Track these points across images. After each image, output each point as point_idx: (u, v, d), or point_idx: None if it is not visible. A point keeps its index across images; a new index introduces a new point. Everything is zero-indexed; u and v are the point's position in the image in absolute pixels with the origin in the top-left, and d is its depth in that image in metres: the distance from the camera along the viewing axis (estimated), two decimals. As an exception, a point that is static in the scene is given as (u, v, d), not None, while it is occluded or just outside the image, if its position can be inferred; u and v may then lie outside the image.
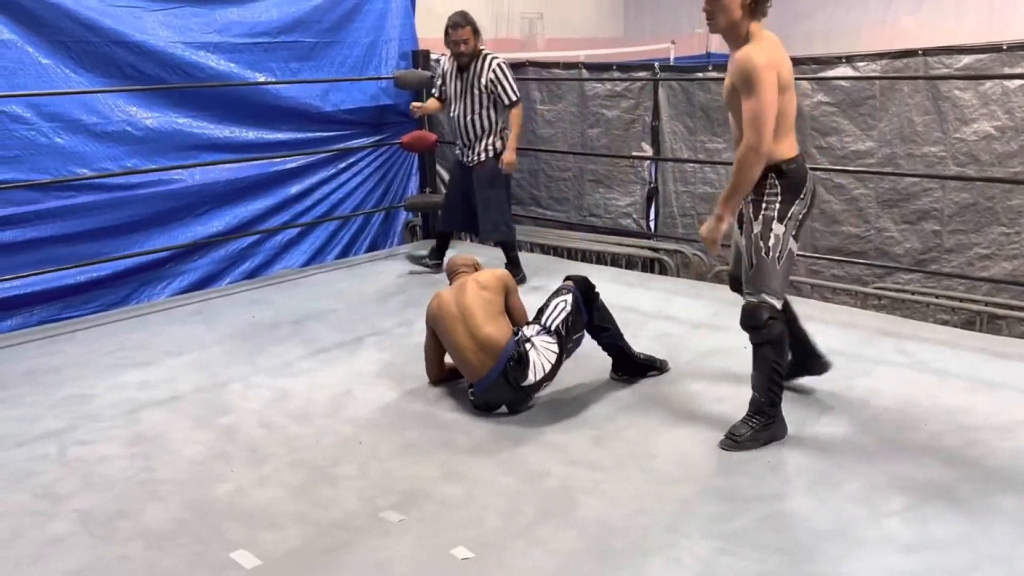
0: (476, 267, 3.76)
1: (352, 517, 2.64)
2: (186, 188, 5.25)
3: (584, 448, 3.05)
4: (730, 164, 5.44)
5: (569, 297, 3.43)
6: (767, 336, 2.99)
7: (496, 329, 3.35)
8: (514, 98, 4.98)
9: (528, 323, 3.46)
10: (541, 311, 3.43)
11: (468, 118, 5.02)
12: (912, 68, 4.76)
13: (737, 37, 2.88)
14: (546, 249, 6.16)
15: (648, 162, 5.95)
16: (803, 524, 2.55)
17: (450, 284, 3.69)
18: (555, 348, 3.32)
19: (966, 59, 4.60)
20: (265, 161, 5.64)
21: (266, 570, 2.38)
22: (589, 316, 3.49)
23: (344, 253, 6.24)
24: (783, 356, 3.05)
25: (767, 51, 2.82)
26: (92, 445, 3.14)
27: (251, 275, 5.66)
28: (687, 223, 5.79)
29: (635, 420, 3.27)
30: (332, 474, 2.91)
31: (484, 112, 5.00)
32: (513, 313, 3.57)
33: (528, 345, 3.29)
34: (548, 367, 3.30)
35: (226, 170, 5.44)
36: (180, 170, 5.19)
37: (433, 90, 5.31)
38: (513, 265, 5.15)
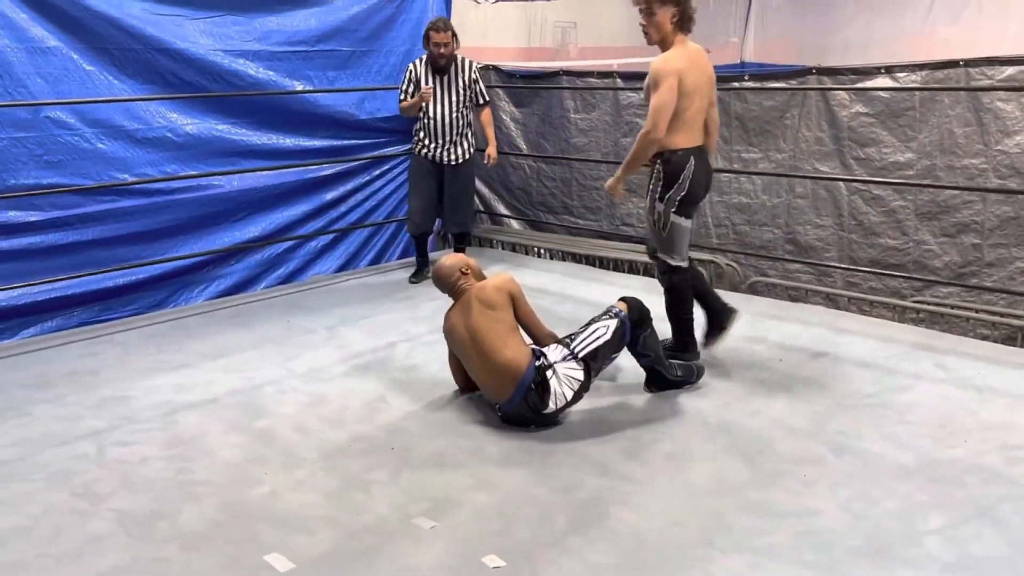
0: (469, 268, 3.49)
1: (384, 523, 2.65)
2: (224, 194, 5.33)
3: (616, 460, 3.03)
4: (766, 174, 5.42)
5: (613, 324, 3.28)
6: (668, 283, 3.79)
7: (512, 352, 3.20)
8: (488, 97, 5.49)
9: (557, 341, 3.33)
10: (576, 333, 3.31)
11: (453, 116, 5.26)
12: (953, 79, 4.69)
13: (666, 48, 3.52)
14: (578, 258, 6.16)
15: (682, 172, 5.91)
16: (840, 540, 2.51)
17: (454, 300, 3.50)
18: (580, 376, 3.21)
19: (1009, 70, 4.53)
20: (301, 168, 5.70)
21: (299, 574, 2.40)
22: (633, 341, 3.36)
23: (377, 260, 6.29)
24: (685, 304, 3.83)
25: (677, 59, 3.47)
26: (131, 446, 3.19)
27: (286, 280, 5.72)
28: (721, 233, 5.75)
29: (667, 432, 3.25)
30: (364, 480, 2.92)
31: (465, 110, 5.32)
32: (524, 320, 3.38)
33: (549, 372, 3.17)
34: (570, 395, 3.20)
35: (263, 176, 5.51)
36: (219, 176, 5.27)
37: (402, 95, 5.30)
38: (463, 253, 5.55)
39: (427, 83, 5.21)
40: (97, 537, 2.60)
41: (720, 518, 2.64)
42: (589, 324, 3.33)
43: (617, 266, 5.93)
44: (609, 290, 5.16)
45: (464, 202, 5.52)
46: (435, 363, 3.97)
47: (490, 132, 5.46)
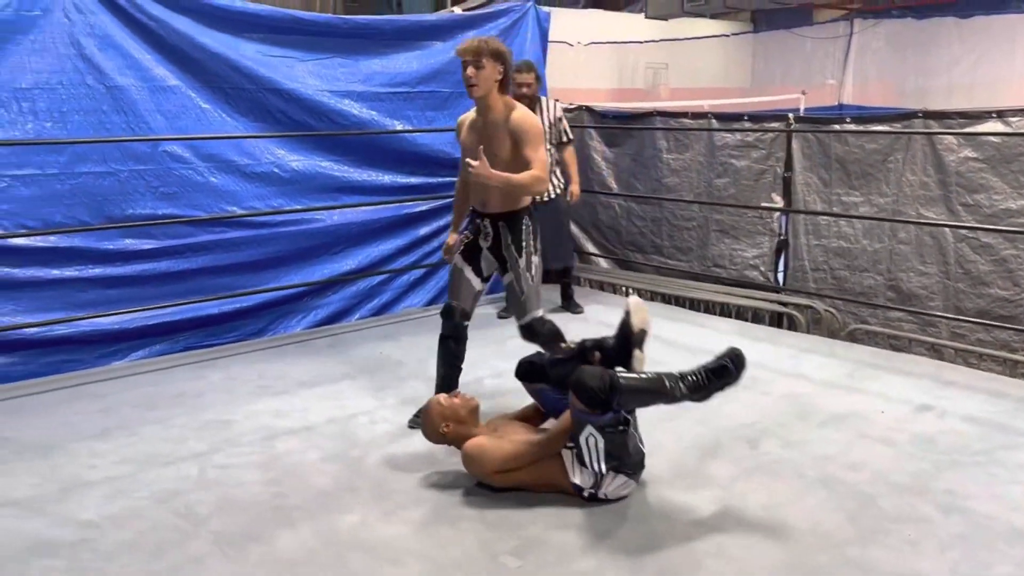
0: (447, 422, 3.13)
1: (471, 559, 2.65)
2: (324, 227, 5.51)
3: (708, 509, 2.96)
4: (868, 218, 5.25)
5: (591, 429, 2.83)
6: (545, 336, 3.54)
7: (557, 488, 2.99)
8: (571, 136, 5.53)
9: (583, 471, 2.93)
10: (581, 456, 2.90)
11: None
12: (1072, 123, 4.49)
13: (490, 103, 3.46)
14: (667, 299, 6.10)
15: (778, 214, 5.81)
16: (948, 607, 2.38)
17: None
18: (622, 480, 2.94)
19: None
20: (397, 204, 5.85)
21: (389, 605, 2.42)
22: (617, 412, 2.85)
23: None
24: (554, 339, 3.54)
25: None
26: (230, 469, 3.30)
27: (378, 312, 5.84)
28: (819, 278, 5.60)
29: (762, 482, 3.16)
30: (452, 514, 2.94)
31: (552, 149, 5.40)
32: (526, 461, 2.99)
33: (601, 494, 2.95)
34: (630, 489, 3.00)
35: (361, 212, 5.67)
36: (320, 211, 5.45)
37: None
38: (568, 288, 5.72)
39: None
40: (196, 557, 2.68)
41: (818, 574, 2.54)
42: (577, 442, 2.89)
43: (708, 308, 5.84)
44: (699, 332, 5.09)
45: (560, 237, 5.58)
46: (522, 398, 3.97)
47: (573, 170, 5.54)
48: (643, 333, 3.14)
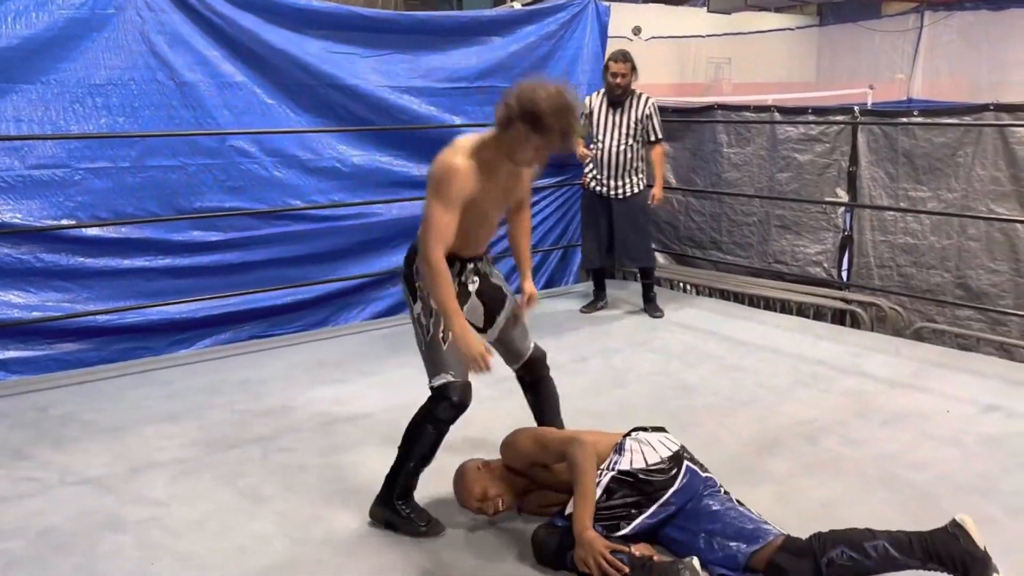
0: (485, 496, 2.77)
1: (525, 546, 2.68)
2: (383, 221, 5.58)
3: (766, 504, 2.92)
4: (936, 213, 5.10)
5: None
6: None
7: None
8: (661, 135, 5.36)
9: None
10: None
11: (620, 149, 5.27)
12: None
13: None
14: (726, 295, 6.03)
15: (842, 209, 5.69)
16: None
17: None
18: None
19: None
20: (455, 198, 5.89)
21: (444, 588, 2.46)
22: None
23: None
24: None
25: None
26: (292, 452, 3.39)
27: (436, 304, 5.90)
28: (884, 275, 5.47)
29: (822, 480, 3.11)
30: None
31: (636, 145, 5.30)
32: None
33: None
34: None
35: (420, 205, 5.72)
36: (380, 204, 5.53)
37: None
38: (650, 290, 5.54)
39: (601, 115, 5.29)
40: (260, 536, 2.77)
41: None
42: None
43: (769, 304, 5.75)
44: (759, 328, 5.03)
45: (635, 237, 5.44)
46: (578, 392, 3.99)
47: (658, 171, 5.40)
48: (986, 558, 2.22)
